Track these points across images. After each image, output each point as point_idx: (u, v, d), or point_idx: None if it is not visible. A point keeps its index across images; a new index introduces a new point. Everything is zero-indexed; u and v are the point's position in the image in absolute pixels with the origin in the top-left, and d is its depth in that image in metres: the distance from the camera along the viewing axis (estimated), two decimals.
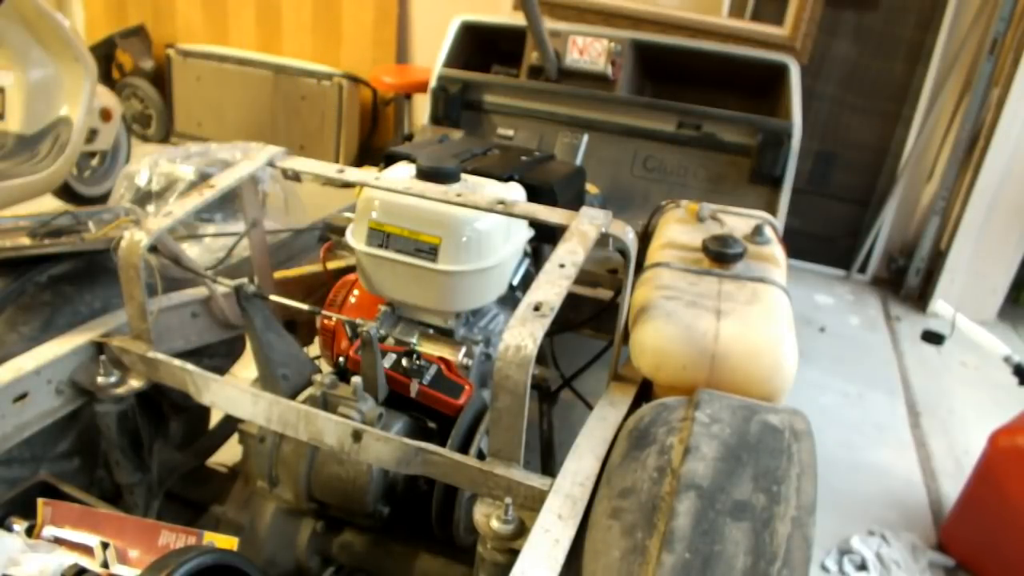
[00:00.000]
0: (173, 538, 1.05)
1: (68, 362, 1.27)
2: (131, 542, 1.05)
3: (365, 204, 1.38)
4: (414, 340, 1.38)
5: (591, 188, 1.99)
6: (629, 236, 1.19)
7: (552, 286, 1.05)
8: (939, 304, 3.42)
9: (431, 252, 1.32)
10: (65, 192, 3.47)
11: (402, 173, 1.44)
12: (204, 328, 1.53)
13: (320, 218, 1.87)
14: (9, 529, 1.07)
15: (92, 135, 3.39)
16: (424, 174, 1.37)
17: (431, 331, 1.43)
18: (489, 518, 0.99)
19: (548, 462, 1.67)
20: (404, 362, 1.36)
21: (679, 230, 1.46)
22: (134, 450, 1.36)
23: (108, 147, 3.61)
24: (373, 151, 4.36)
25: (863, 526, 2.07)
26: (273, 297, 1.39)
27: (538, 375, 1.59)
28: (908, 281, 3.59)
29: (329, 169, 1.41)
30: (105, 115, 3.46)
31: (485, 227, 1.33)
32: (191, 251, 2.78)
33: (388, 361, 1.36)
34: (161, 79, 4.69)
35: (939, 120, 3.40)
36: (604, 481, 0.97)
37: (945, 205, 3.43)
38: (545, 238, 1.54)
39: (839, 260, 3.80)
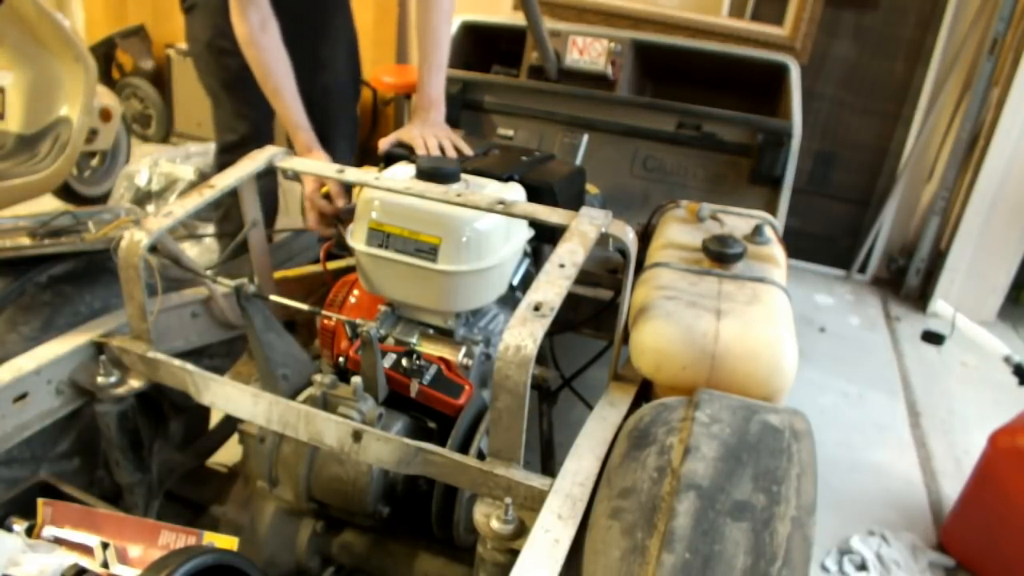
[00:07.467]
0: (173, 538, 1.05)
1: (68, 362, 1.27)
2: (131, 542, 1.05)
3: (365, 204, 1.38)
4: (414, 340, 1.38)
5: (591, 188, 1.98)
6: (629, 236, 1.19)
7: (552, 286, 1.05)
8: (939, 304, 3.42)
9: (431, 252, 1.32)
10: (65, 192, 3.47)
11: (402, 173, 1.44)
12: (204, 328, 1.53)
13: None
14: (9, 529, 1.07)
15: (92, 135, 3.39)
16: (424, 174, 1.37)
17: (431, 331, 1.42)
18: (489, 518, 0.99)
19: (548, 462, 1.67)
20: (404, 362, 1.36)
21: (679, 230, 1.46)
22: (134, 450, 1.36)
23: (108, 147, 3.61)
24: (373, 151, 4.35)
25: (863, 526, 2.07)
26: (273, 297, 1.39)
27: (538, 375, 1.59)
28: (908, 281, 3.59)
29: (329, 169, 1.41)
30: (105, 115, 3.45)
31: (485, 227, 1.33)
32: (191, 251, 2.79)
33: (388, 361, 1.36)
34: (161, 79, 4.68)
35: (939, 120, 3.40)
36: (604, 481, 0.97)
37: (945, 205, 3.43)
38: (545, 238, 1.54)
39: (839, 260, 3.80)
